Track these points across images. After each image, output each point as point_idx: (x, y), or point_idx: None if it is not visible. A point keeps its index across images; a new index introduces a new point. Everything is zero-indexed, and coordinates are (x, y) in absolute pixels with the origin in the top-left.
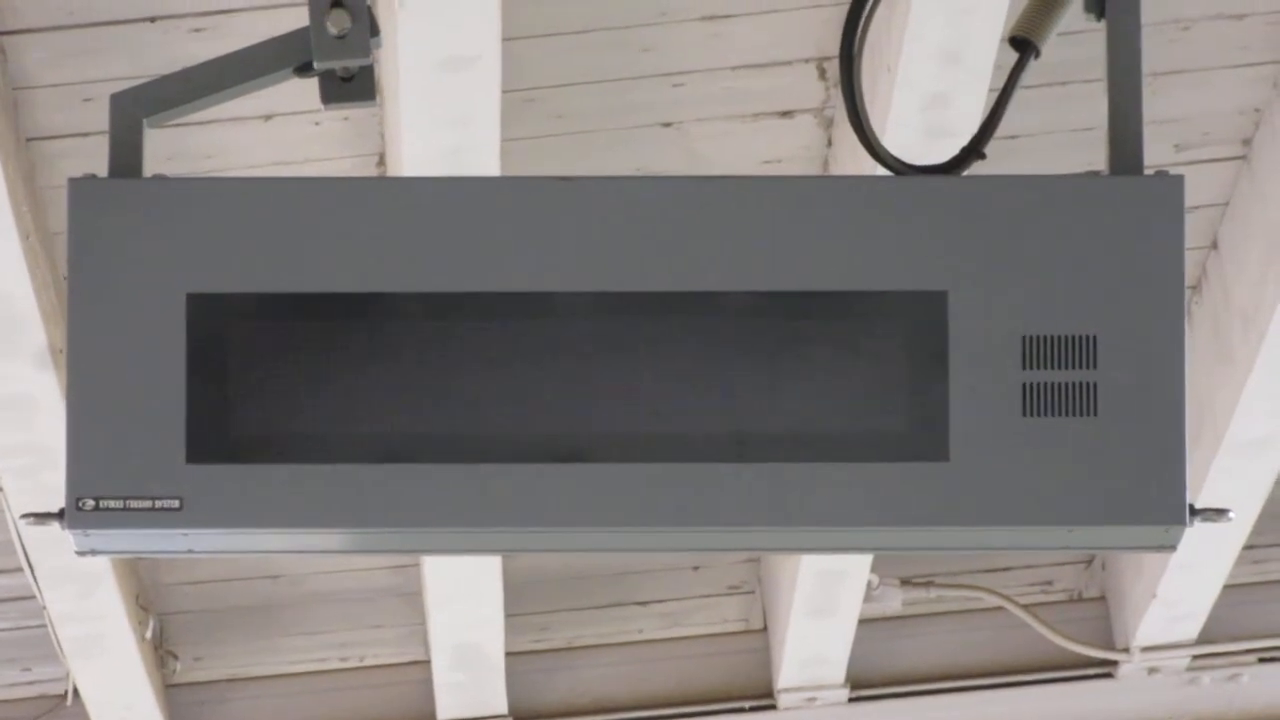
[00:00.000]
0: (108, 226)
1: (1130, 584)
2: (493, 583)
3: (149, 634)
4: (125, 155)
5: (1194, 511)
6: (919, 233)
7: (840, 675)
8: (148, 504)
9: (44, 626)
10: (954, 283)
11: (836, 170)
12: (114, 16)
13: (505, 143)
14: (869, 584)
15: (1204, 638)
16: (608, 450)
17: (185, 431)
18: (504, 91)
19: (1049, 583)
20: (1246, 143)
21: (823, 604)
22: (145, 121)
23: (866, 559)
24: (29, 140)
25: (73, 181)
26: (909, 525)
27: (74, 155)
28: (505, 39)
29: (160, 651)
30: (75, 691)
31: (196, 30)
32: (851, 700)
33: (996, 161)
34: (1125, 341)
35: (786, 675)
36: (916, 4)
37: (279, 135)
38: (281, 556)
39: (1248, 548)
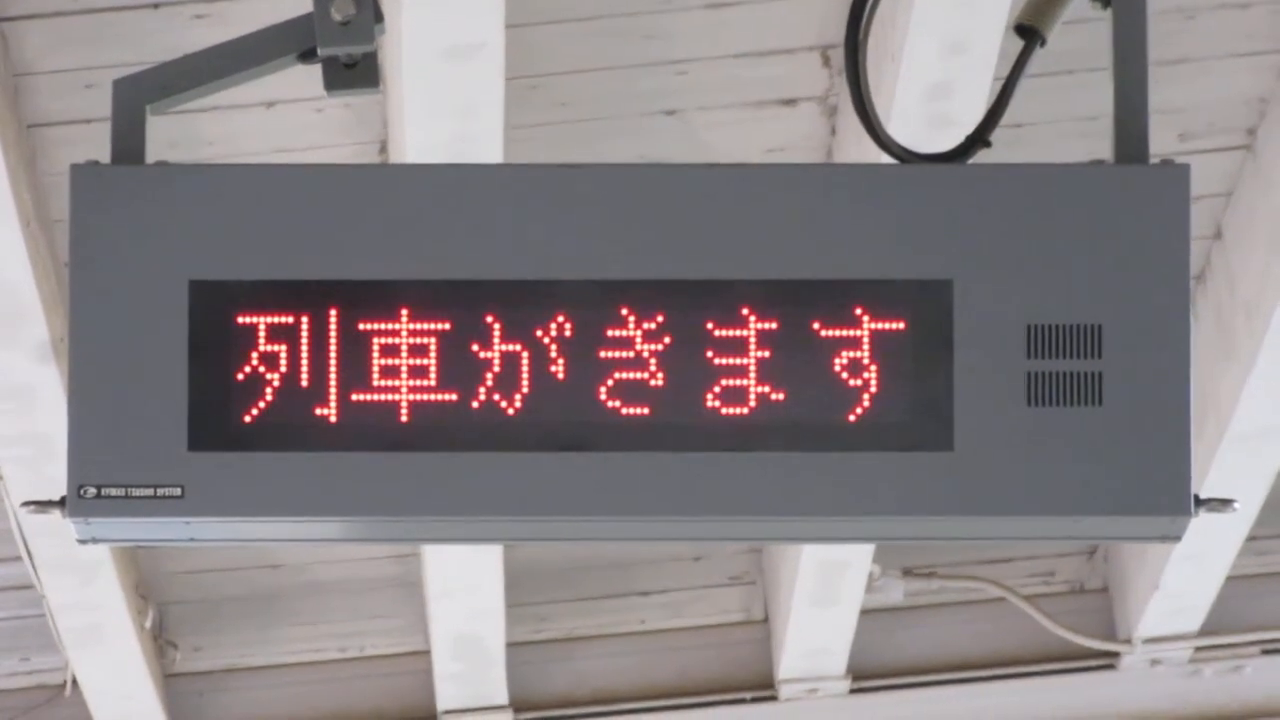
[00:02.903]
0: (110, 213)
1: (1133, 575)
2: (493, 573)
3: (148, 623)
4: (127, 142)
5: (1198, 502)
6: (924, 221)
7: (842, 666)
8: (149, 492)
9: (43, 616)
10: (959, 271)
11: (840, 158)
12: (116, 3)
13: (509, 130)
14: (871, 575)
15: (1206, 629)
16: (611, 439)
17: (187, 419)
18: (508, 79)
19: (1051, 574)
20: (1251, 132)
21: (824, 595)
22: (148, 108)
23: (868, 549)
24: (30, 126)
25: (75, 168)
26: (913, 515)
27: (76, 142)
28: (509, 26)
29: (160, 641)
30: (74, 681)
31: (199, 17)
32: (853, 691)
33: (1001, 150)
34: (1130, 331)
35: (788, 666)
36: None
37: (281, 122)
38: (282, 546)
39: (1251, 539)
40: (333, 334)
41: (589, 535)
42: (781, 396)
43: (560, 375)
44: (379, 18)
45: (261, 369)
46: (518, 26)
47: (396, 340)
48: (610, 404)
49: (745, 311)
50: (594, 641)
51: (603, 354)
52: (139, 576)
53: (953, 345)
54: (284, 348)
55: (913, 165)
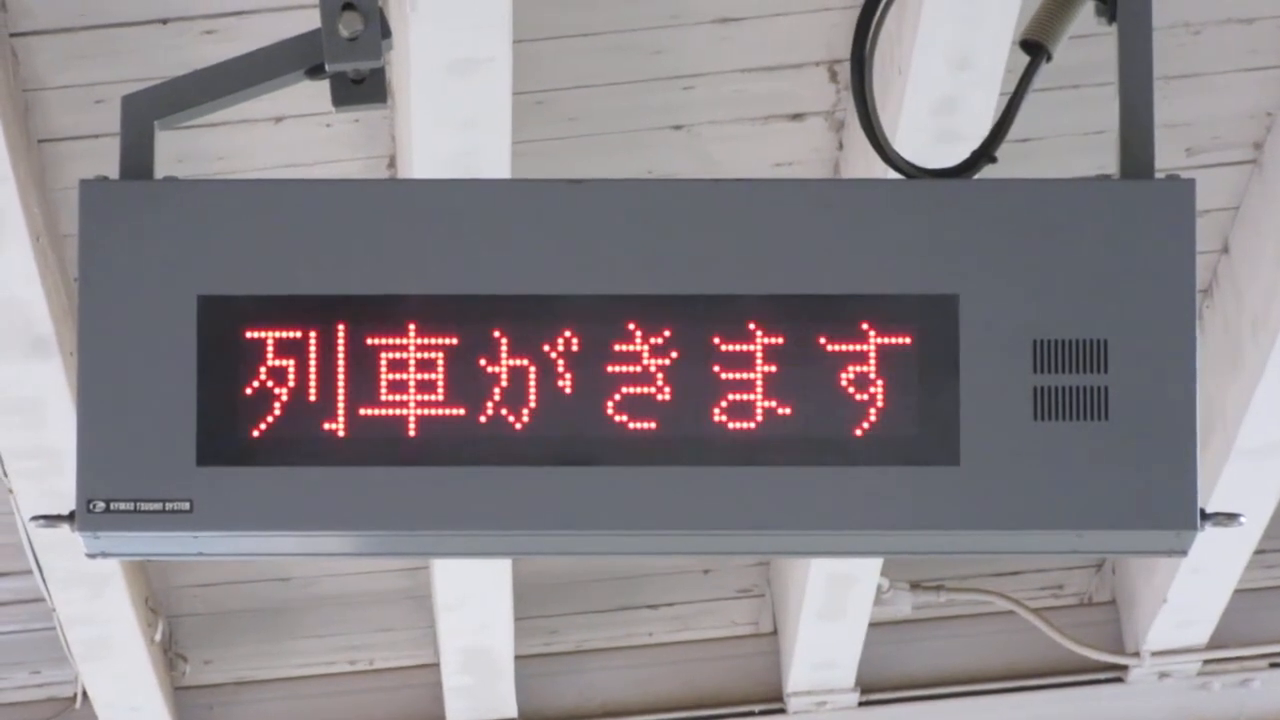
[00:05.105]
0: (119, 228)
1: (1141, 588)
2: (502, 586)
3: (158, 636)
4: (136, 157)
5: (1204, 516)
6: (930, 236)
7: (850, 679)
8: (158, 506)
9: (53, 629)
10: (965, 286)
11: (847, 173)
12: (125, 19)
13: (516, 145)
14: (879, 588)
15: (1214, 642)
16: (618, 454)
17: (196, 434)
18: (515, 94)
19: (1059, 587)
20: (1258, 146)
21: (833, 608)
22: (156, 123)
23: (876, 563)
24: (40, 142)
25: (84, 183)
26: (919, 529)
27: (85, 157)
28: (516, 41)
29: (169, 654)
30: (84, 694)
31: (208, 32)
32: (861, 704)
33: (1007, 165)
34: (1136, 345)
35: (796, 679)
36: (928, 7)
37: (289, 137)
38: (291, 559)
39: (1258, 552)
40: (341, 348)
41: (596, 550)
42: (788, 411)
43: (567, 390)
44: (386, 33)
45: (270, 383)
46: (525, 41)
47: (404, 355)
48: (617, 419)
49: (752, 326)
50: (602, 654)
51: (610, 369)
52: (149, 590)
53: (959, 360)
54: (292, 362)
55: (919, 180)
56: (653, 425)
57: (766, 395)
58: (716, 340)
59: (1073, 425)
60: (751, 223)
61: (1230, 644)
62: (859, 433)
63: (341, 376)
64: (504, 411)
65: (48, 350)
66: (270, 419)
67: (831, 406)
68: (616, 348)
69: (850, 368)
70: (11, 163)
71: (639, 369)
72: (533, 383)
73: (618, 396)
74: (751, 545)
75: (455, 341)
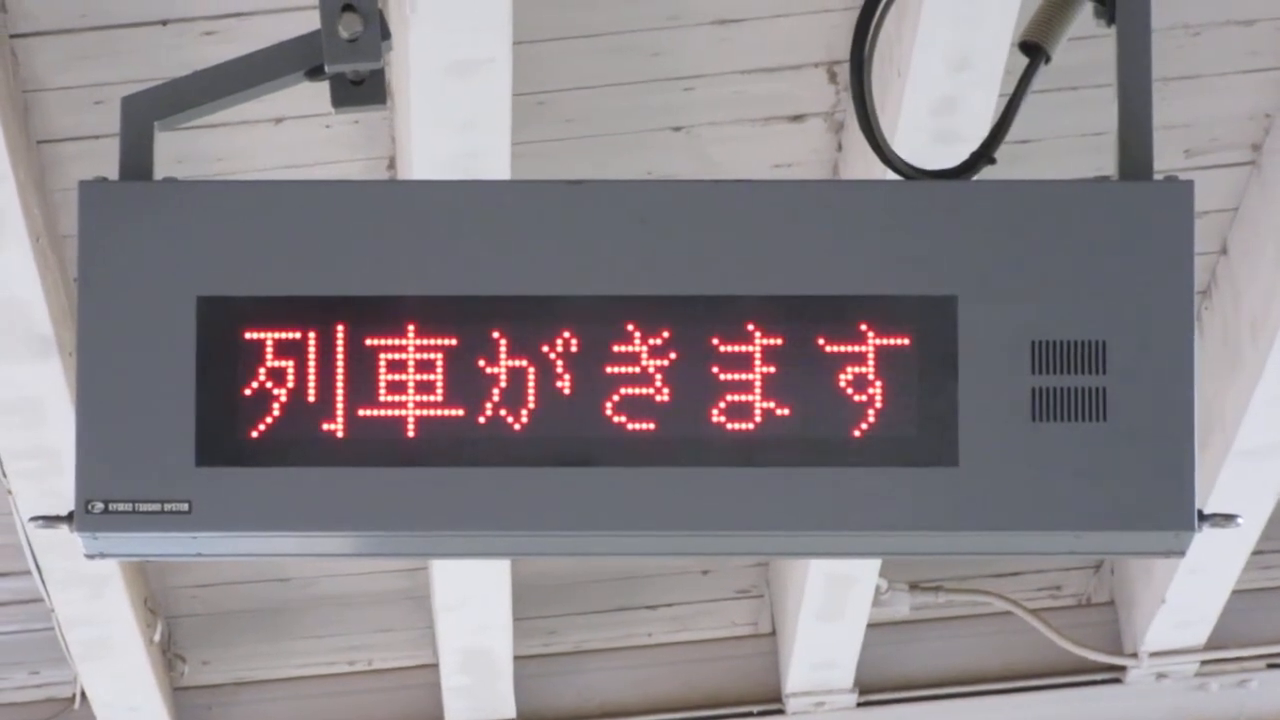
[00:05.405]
0: (118, 229)
1: (1139, 589)
2: (501, 587)
3: (157, 637)
4: (136, 158)
5: (1202, 517)
6: (929, 237)
7: (849, 680)
8: (157, 507)
9: (52, 629)
10: (964, 287)
11: (847, 174)
12: (125, 19)
13: (515, 146)
14: (878, 588)
15: (1212, 643)
16: (617, 454)
17: (195, 434)
18: (514, 95)
19: (1058, 587)
20: (1256, 148)
21: (831, 608)
22: (156, 124)
23: (875, 563)
24: (40, 143)
25: (83, 184)
26: (918, 530)
27: (85, 158)
28: (516, 43)
29: (168, 654)
30: (83, 694)
31: (208, 33)
32: (860, 705)
33: (1006, 166)
34: (1134, 347)
35: (795, 679)
36: (928, 8)
37: (289, 138)
38: (290, 559)
39: (1256, 553)
40: (340, 349)
41: (595, 550)
42: (787, 412)
43: (566, 391)
44: (386, 35)
45: (269, 384)
46: (525, 43)
47: (403, 356)
48: (616, 419)
49: (750, 327)
50: (601, 655)
51: (608, 369)
52: (147, 590)
53: (957, 361)
54: (291, 363)
55: (918, 181)
56: (651, 426)
57: (765, 396)
58: (715, 341)
59: (1071, 426)
60: (751, 223)
61: (1228, 645)
62: (858, 434)
63: (340, 377)
64: (503, 412)
65: (48, 350)
66: (269, 420)
67: (830, 407)
68: (615, 348)
69: (849, 369)
70: (11, 163)
71: (638, 370)
72: (531, 383)
73: (616, 397)
74: (750, 546)
75: (454, 342)
